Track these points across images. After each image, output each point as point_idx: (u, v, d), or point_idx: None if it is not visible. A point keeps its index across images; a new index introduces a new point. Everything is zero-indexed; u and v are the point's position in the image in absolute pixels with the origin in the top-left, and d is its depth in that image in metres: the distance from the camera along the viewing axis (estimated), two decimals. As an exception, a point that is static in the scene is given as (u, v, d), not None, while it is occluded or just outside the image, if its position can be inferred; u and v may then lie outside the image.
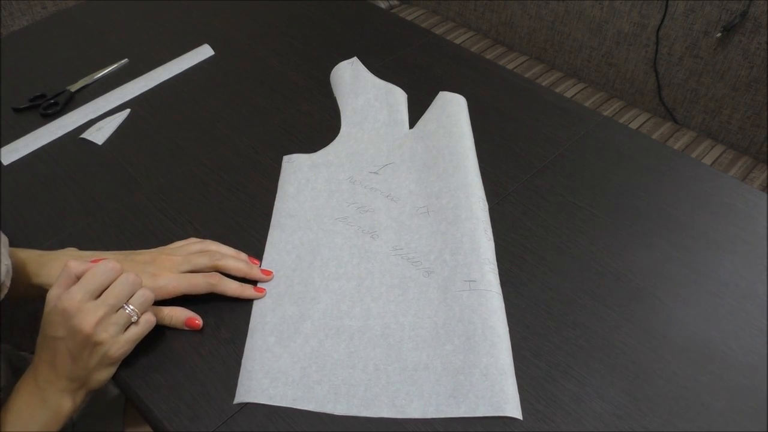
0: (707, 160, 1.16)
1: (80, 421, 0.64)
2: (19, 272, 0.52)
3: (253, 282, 0.55)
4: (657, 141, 0.70)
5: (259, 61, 0.83)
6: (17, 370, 0.66)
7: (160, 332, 0.52)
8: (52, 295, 0.45)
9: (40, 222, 0.63)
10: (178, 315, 0.52)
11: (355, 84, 0.76)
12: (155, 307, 0.50)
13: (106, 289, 0.46)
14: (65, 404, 0.47)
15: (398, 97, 0.74)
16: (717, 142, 1.22)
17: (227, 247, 0.56)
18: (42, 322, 0.46)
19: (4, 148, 0.72)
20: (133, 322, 0.47)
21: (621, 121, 1.24)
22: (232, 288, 0.53)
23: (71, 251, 0.55)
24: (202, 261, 0.53)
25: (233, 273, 0.54)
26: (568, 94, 1.33)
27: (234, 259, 0.55)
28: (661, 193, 0.63)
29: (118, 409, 0.65)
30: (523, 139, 0.70)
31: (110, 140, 0.72)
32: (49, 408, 0.46)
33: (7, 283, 0.47)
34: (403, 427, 0.46)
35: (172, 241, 0.57)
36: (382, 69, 0.80)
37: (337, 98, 0.76)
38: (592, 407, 0.47)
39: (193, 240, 0.57)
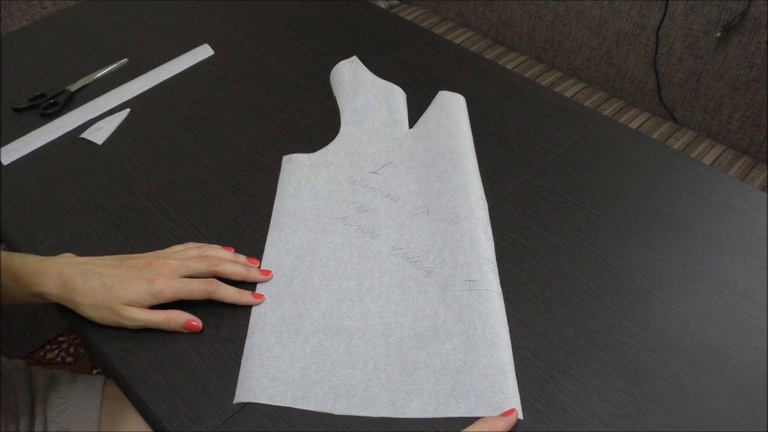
0: (707, 160, 1.16)
1: (56, 417, 0.64)
2: (16, 279, 0.52)
3: (252, 286, 0.55)
4: (657, 141, 0.70)
5: (259, 61, 0.83)
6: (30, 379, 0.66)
7: (159, 333, 0.52)
8: None
9: (40, 222, 0.63)
10: (176, 318, 0.52)
11: (354, 83, 0.76)
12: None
13: None
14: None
15: (398, 96, 0.74)
16: (717, 141, 1.22)
17: (225, 251, 0.56)
18: None
19: (4, 148, 0.72)
20: None
21: (621, 120, 1.24)
22: (230, 295, 0.53)
23: (68, 257, 0.55)
24: (200, 266, 0.53)
25: (232, 278, 0.54)
26: (568, 94, 1.33)
27: (232, 263, 0.54)
28: (661, 192, 0.63)
29: (94, 407, 0.65)
30: (523, 139, 0.70)
31: (110, 140, 0.72)
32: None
33: None
34: (403, 427, 0.46)
35: (172, 241, 0.57)
36: (381, 69, 0.80)
37: (337, 98, 0.76)
38: (592, 407, 0.47)
39: (191, 244, 0.57)
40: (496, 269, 0.56)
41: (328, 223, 0.60)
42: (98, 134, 0.73)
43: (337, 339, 0.51)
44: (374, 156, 0.67)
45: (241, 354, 0.51)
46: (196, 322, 0.52)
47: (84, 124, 0.75)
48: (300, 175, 0.66)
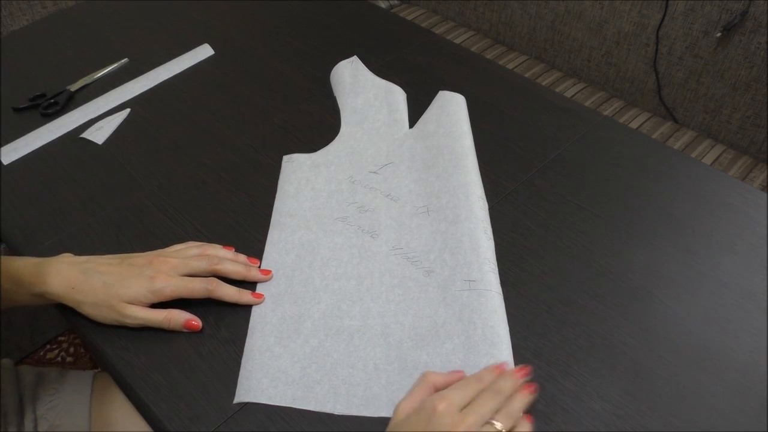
0: (707, 160, 1.16)
1: (46, 414, 0.64)
2: (17, 282, 0.52)
3: (252, 286, 0.55)
4: (657, 141, 0.70)
5: (259, 61, 0.83)
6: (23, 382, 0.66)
7: (160, 332, 0.52)
8: (403, 407, 0.42)
9: (40, 222, 0.63)
10: (176, 318, 0.52)
11: (354, 83, 0.76)
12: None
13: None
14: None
15: (398, 96, 0.74)
16: (717, 141, 1.22)
17: (225, 250, 0.56)
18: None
19: (4, 148, 0.72)
20: None
21: (621, 120, 1.24)
22: (230, 294, 0.53)
23: (66, 257, 0.55)
24: (201, 265, 0.53)
25: (232, 277, 0.54)
26: (568, 94, 1.33)
27: (232, 262, 0.54)
28: (661, 192, 0.63)
29: (84, 401, 0.65)
30: (523, 139, 0.70)
31: (110, 140, 0.72)
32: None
33: None
34: (403, 427, 0.46)
35: (172, 241, 0.57)
36: (382, 68, 0.80)
37: (337, 97, 0.76)
38: (592, 407, 0.47)
39: (191, 243, 0.57)
40: (497, 269, 0.56)
41: (328, 223, 0.60)
42: (98, 134, 0.73)
43: (338, 339, 0.51)
44: (374, 156, 0.67)
45: (242, 354, 0.51)
46: (196, 321, 0.52)
47: (84, 124, 0.75)
48: (300, 175, 0.66)
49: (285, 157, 0.68)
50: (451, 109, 0.71)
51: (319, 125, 0.73)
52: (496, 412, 0.41)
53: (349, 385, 0.48)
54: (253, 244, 0.59)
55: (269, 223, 0.61)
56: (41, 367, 0.70)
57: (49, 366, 1.25)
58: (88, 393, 0.66)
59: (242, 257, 0.56)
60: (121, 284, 0.50)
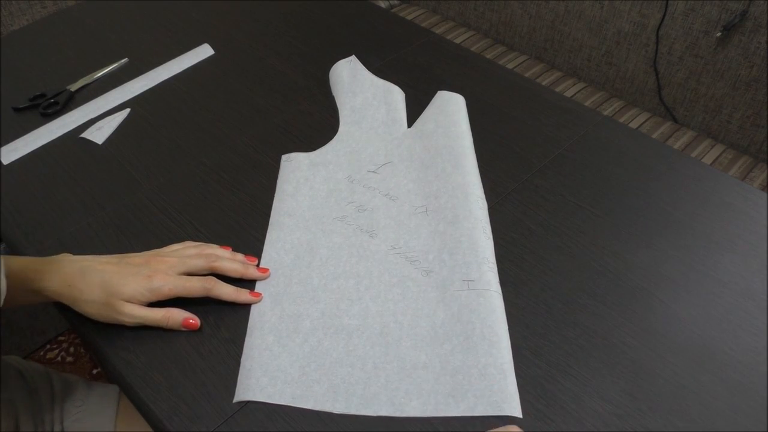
0: (707, 160, 1.16)
1: (72, 425, 0.64)
2: (17, 280, 0.52)
3: (251, 285, 0.55)
4: (657, 140, 0.70)
5: (259, 61, 0.83)
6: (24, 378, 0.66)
7: (160, 332, 0.52)
8: None
9: (40, 222, 0.63)
10: (175, 316, 0.52)
11: (353, 83, 0.76)
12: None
13: None
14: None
15: (396, 95, 0.74)
16: (717, 141, 1.22)
17: (223, 249, 0.56)
18: None
19: (4, 148, 0.72)
20: None
21: (621, 120, 1.24)
22: (227, 293, 0.53)
23: (65, 257, 0.55)
24: (198, 263, 0.53)
25: (229, 275, 0.54)
26: (568, 94, 1.33)
27: (230, 261, 0.55)
28: (661, 192, 0.63)
29: (109, 416, 0.65)
30: (523, 138, 0.70)
31: (110, 140, 0.72)
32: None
33: (0, 302, 0.47)
34: (402, 427, 0.46)
35: (172, 241, 0.57)
36: (382, 68, 0.80)
37: (336, 97, 0.76)
38: (592, 407, 0.47)
39: (188, 243, 0.57)
40: (496, 269, 0.56)
41: (326, 223, 0.60)
42: (98, 134, 0.73)
43: (336, 338, 0.51)
44: (373, 155, 0.67)
45: (242, 353, 0.51)
46: (195, 320, 0.52)
47: (84, 123, 0.75)
48: (299, 174, 0.66)
49: (284, 157, 0.68)
50: (450, 109, 0.71)
51: (318, 125, 0.73)
52: None
53: (348, 384, 0.48)
54: (252, 244, 0.59)
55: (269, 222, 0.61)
56: (52, 368, 0.70)
57: (49, 365, 1.25)
58: (114, 409, 0.66)
59: (239, 256, 0.57)
60: (119, 282, 0.50)
